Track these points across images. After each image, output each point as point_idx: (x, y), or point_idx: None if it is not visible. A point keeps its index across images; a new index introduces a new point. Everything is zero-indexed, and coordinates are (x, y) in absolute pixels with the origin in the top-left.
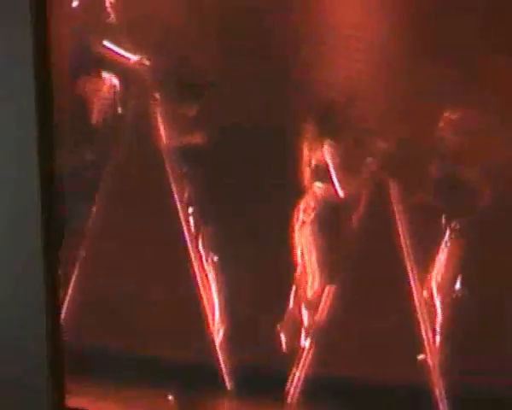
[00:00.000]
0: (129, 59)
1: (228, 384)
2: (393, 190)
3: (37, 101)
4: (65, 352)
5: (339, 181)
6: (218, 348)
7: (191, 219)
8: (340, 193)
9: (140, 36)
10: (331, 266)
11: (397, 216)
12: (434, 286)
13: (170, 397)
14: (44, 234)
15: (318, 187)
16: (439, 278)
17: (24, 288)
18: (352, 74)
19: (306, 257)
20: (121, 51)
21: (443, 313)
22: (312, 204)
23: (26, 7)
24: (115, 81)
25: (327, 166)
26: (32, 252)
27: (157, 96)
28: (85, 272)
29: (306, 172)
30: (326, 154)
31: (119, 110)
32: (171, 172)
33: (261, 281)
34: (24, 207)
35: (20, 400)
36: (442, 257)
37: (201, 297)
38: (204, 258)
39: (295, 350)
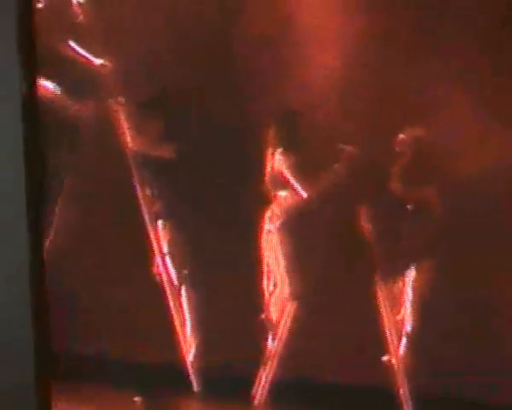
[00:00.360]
0: (92, 61)
1: (195, 386)
2: (360, 195)
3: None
4: (52, 357)
5: (302, 188)
6: (185, 351)
7: (159, 231)
8: (303, 194)
9: (106, 38)
10: (299, 271)
11: (364, 222)
12: (397, 289)
13: (136, 399)
14: (31, 236)
15: (283, 196)
16: (403, 282)
17: (10, 292)
18: (317, 80)
19: (274, 264)
20: (85, 53)
21: (407, 316)
22: (278, 213)
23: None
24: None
25: (288, 174)
26: (19, 254)
27: (121, 99)
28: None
29: (271, 181)
30: (284, 162)
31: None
32: (138, 184)
33: (229, 288)
34: (10, 209)
35: (6, 405)
36: (405, 262)
37: (170, 304)
38: (172, 267)
39: (262, 352)
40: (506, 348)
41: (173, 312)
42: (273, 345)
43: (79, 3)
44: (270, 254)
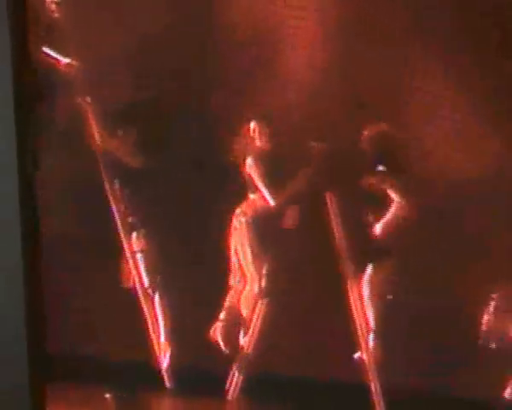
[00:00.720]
0: (60, 61)
1: (168, 383)
2: (329, 197)
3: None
4: (46, 359)
5: (269, 192)
6: (157, 348)
7: (133, 238)
8: (272, 203)
9: (77, 40)
10: (268, 270)
11: (333, 221)
12: (367, 288)
13: (107, 396)
14: (24, 240)
15: (253, 198)
16: (372, 281)
17: (4, 295)
18: (288, 86)
19: (243, 262)
20: (53, 53)
21: (376, 314)
22: (248, 213)
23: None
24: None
25: (256, 178)
26: (12, 258)
27: (88, 99)
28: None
29: (242, 184)
30: (254, 168)
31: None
32: (110, 193)
33: (201, 288)
34: (3, 209)
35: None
36: (374, 260)
37: (142, 305)
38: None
39: (235, 350)
40: (468, 343)
41: (146, 313)
42: (245, 342)
43: (53, 6)
44: (240, 253)
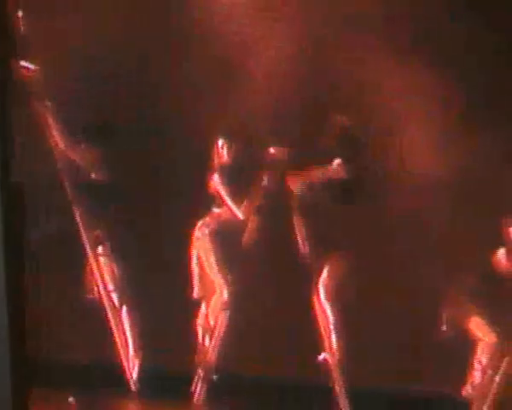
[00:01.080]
0: (28, 69)
1: (133, 386)
2: (292, 201)
3: None
4: (28, 363)
5: (237, 206)
6: (122, 351)
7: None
8: (240, 217)
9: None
10: (232, 274)
11: (295, 224)
12: (324, 290)
13: (71, 399)
14: (4, 245)
15: (217, 212)
16: (332, 282)
17: None
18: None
19: (209, 271)
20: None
21: (337, 316)
22: (211, 225)
23: None
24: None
25: (223, 193)
26: None
27: (48, 103)
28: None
29: (205, 199)
30: (218, 183)
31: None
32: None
33: (166, 291)
34: None
35: None
36: (332, 262)
37: (106, 308)
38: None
39: (200, 351)
40: (429, 341)
41: (112, 322)
42: (210, 345)
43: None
44: (205, 263)
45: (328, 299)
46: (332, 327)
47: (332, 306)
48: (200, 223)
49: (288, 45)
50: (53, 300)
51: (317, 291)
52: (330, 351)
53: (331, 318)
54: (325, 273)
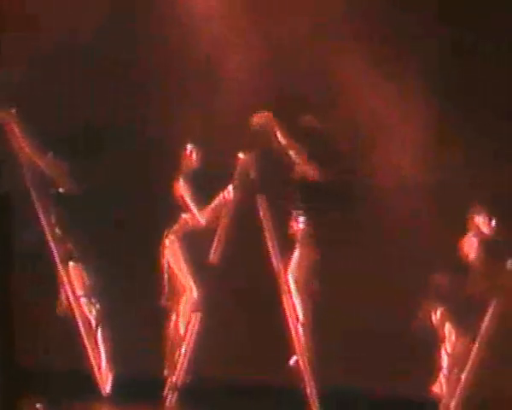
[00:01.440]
0: None
1: (103, 391)
2: (260, 201)
3: None
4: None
5: (198, 211)
6: (92, 356)
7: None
8: (201, 221)
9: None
10: (202, 277)
11: (264, 225)
12: (295, 290)
13: (38, 406)
14: None
15: (184, 217)
16: (301, 284)
17: None
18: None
19: (180, 275)
20: None
21: (310, 318)
22: (180, 231)
23: None
24: None
25: (187, 197)
26: None
27: (13, 111)
28: None
29: (174, 207)
30: (183, 187)
31: None
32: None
33: (138, 300)
34: None
35: None
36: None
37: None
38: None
39: (172, 357)
40: (402, 342)
41: (84, 337)
42: (181, 351)
43: None
44: (174, 268)
45: (298, 302)
46: (302, 330)
47: (302, 308)
48: (168, 230)
49: (258, 52)
50: (26, 312)
51: (288, 294)
52: (301, 354)
53: (301, 320)
54: (295, 275)
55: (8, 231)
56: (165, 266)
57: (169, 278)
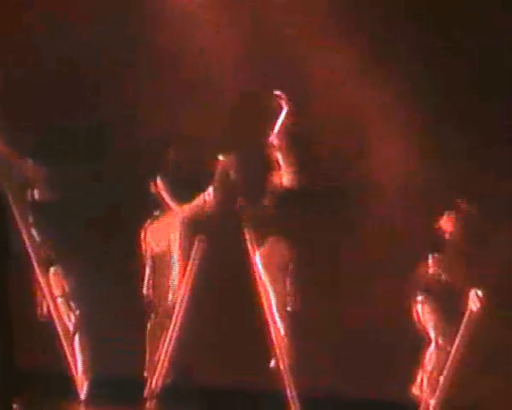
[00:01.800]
0: None
1: (81, 394)
2: (242, 210)
3: None
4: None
5: (177, 209)
6: (70, 357)
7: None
8: (179, 220)
9: None
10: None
11: (245, 231)
12: (275, 297)
13: (15, 406)
14: None
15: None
16: (282, 290)
17: None
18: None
19: (160, 279)
20: None
21: (290, 321)
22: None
23: None
24: None
25: (165, 197)
26: None
27: None
28: None
29: (154, 204)
30: (162, 186)
31: None
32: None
33: (118, 302)
34: None
35: None
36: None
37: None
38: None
39: (152, 359)
40: (383, 344)
41: (60, 331)
42: (161, 353)
43: None
44: (153, 271)
45: (278, 305)
46: (283, 333)
47: (282, 311)
48: (148, 226)
49: (237, 55)
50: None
51: (266, 295)
52: (282, 357)
53: (281, 323)
54: (275, 278)
55: (4, 231)
56: (148, 253)
57: (151, 274)
